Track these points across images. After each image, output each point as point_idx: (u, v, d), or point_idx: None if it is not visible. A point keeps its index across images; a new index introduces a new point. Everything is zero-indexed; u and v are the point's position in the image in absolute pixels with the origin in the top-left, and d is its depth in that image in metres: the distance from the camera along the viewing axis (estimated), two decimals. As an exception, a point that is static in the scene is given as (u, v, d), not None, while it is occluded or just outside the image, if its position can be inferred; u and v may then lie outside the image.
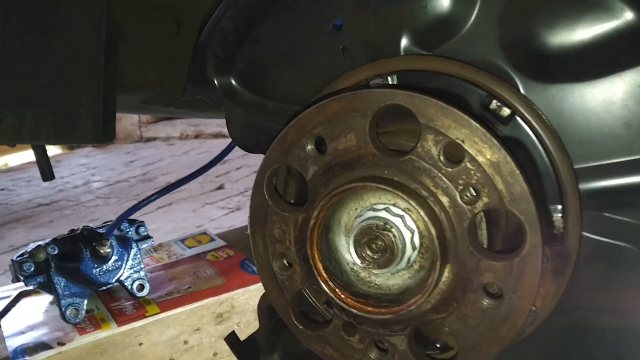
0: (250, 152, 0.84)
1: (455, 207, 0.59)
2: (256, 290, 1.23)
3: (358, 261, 0.63)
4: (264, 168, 0.67)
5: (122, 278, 1.20)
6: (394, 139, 0.65)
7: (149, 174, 3.79)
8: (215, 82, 0.80)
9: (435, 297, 0.61)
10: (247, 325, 1.25)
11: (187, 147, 4.41)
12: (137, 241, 1.24)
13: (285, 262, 0.70)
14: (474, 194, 0.58)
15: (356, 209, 0.65)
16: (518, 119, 0.64)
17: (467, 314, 0.61)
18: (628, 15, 0.59)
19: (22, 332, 1.14)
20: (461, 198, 0.59)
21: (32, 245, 1.17)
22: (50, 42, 0.84)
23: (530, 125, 0.64)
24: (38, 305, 1.24)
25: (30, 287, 1.23)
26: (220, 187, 3.20)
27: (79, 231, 1.21)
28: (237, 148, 0.90)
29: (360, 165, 0.62)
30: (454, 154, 0.59)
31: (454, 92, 0.65)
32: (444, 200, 0.59)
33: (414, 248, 0.62)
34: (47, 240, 1.17)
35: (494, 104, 0.63)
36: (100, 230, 1.20)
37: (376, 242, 0.62)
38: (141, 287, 1.22)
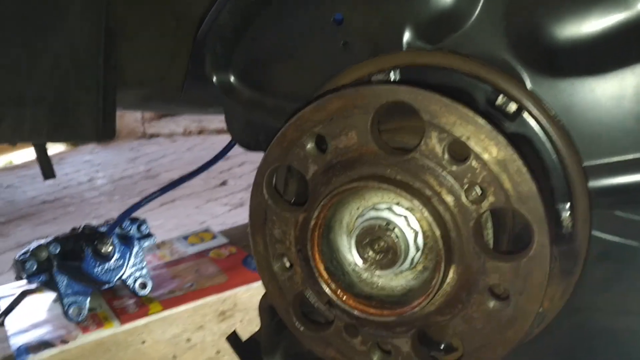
0: (250, 151, 0.82)
1: (460, 206, 0.57)
2: (259, 287, 1.22)
3: (360, 262, 0.62)
4: (264, 167, 0.66)
5: (124, 276, 1.20)
6: (396, 137, 0.63)
7: (152, 171, 3.79)
8: (214, 79, 0.79)
9: (440, 299, 0.59)
10: (250, 322, 1.24)
11: (191, 143, 4.40)
12: (138, 239, 1.24)
13: (285, 262, 0.68)
14: (480, 193, 0.57)
15: (358, 208, 0.64)
16: (525, 115, 0.62)
17: (473, 315, 0.59)
18: (640, 6, 0.57)
19: (26, 331, 1.14)
20: (466, 197, 0.57)
21: (34, 244, 1.17)
22: (49, 40, 0.83)
23: (537, 122, 0.62)
24: (42, 303, 1.24)
25: (33, 286, 1.23)
26: (224, 184, 3.20)
27: (80, 230, 1.20)
28: (240, 144, 0.88)
29: (362, 164, 0.61)
30: (459, 151, 0.58)
31: (458, 87, 0.64)
32: (449, 199, 0.58)
33: (417, 249, 0.61)
34: (49, 239, 1.17)
35: (500, 99, 0.62)
36: (102, 229, 1.20)
37: (378, 242, 0.60)
38: (143, 286, 1.21)
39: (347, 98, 0.61)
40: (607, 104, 0.59)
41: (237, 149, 0.92)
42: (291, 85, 0.76)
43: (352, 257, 0.63)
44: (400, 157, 0.59)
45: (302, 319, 0.69)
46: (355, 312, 0.63)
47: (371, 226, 0.61)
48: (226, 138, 0.97)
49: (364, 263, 0.62)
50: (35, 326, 1.15)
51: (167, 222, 2.64)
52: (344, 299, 0.64)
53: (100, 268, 1.17)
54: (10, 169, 4.32)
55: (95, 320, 1.15)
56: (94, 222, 1.25)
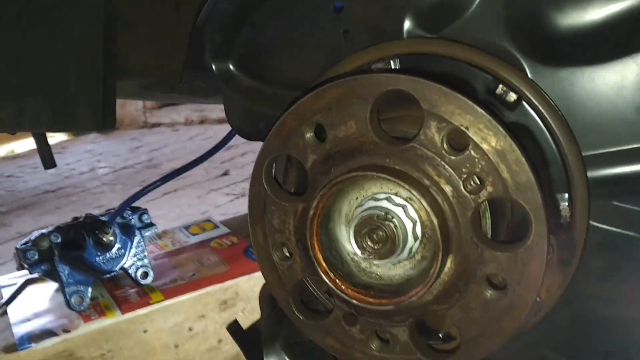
0: (250, 140, 0.82)
1: (458, 196, 0.57)
2: (260, 277, 1.22)
3: (359, 252, 0.62)
4: (263, 157, 0.66)
5: (125, 266, 1.20)
6: (396, 126, 0.63)
7: (154, 160, 3.79)
8: (213, 67, 0.79)
9: (438, 288, 0.59)
10: (252, 312, 1.25)
11: (192, 132, 4.40)
12: (140, 229, 1.24)
13: (285, 252, 0.69)
14: (478, 182, 0.57)
15: (357, 198, 0.64)
16: (525, 104, 0.62)
17: (470, 305, 0.59)
18: (642, -6, 0.56)
19: (28, 320, 1.15)
20: (465, 187, 0.57)
21: (35, 234, 1.17)
22: (48, 29, 0.82)
23: (537, 111, 0.61)
24: (44, 293, 1.25)
25: (35, 275, 1.24)
26: (226, 174, 3.20)
27: (82, 219, 1.21)
28: (241, 134, 0.88)
29: (361, 153, 0.61)
30: (458, 141, 0.57)
31: (458, 76, 0.63)
32: (447, 189, 0.58)
33: (415, 238, 0.61)
34: (50, 229, 1.17)
35: (500, 88, 0.61)
36: (103, 218, 1.20)
37: (377, 232, 0.61)
38: (145, 275, 1.22)
39: (347, 87, 0.60)
40: (607, 93, 0.59)
41: (239, 139, 0.92)
42: (290, 74, 0.76)
43: (351, 246, 0.63)
44: (399, 146, 0.59)
45: (301, 308, 0.69)
46: (354, 301, 0.63)
47: (370, 216, 0.61)
48: (227, 127, 0.96)
49: (362, 252, 0.62)
50: (37, 315, 1.16)
51: (169, 212, 2.64)
52: (342, 288, 0.64)
53: (101, 257, 1.18)
54: (12, 158, 4.33)
55: (97, 309, 1.15)
56: (96, 212, 1.25)
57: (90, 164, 3.89)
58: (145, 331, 1.16)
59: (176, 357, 1.19)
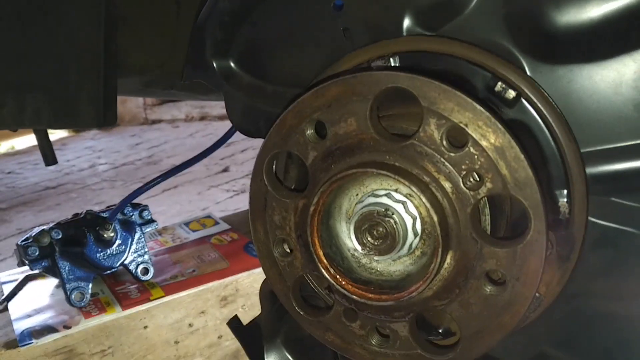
0: (250, 137, 0.82)
1: (458, 192, 0.58)
2: (260, 273, 1.23)
3: (359, 248, 0.63)
4: (263, 153, 0.66)
5: (126, 262, 1.21)
6: (395, 123, 0.64)
7: (154, 157, 3.79)
8: (214, 64, 0.79)
9: (437, 284, 0.60)
10: (252, 308, 1.26)
11: (193, 129, 4.40)
12: (140, 225, 1.24)
13: (286, 248, 0.69)
14: (477, 179, 0.57)
15: (357, 195, 0.64)
16: (524, 101, 0.62)
17: (470, 300, 0.60)
18: (641, -8, 0.56)
19: (29, 316, 1.15)
20: (464, 184, 0.58)
21: (36, 230, 1.18)
22: (49, 26, 0.82)
23: (536, 108, 0.62)
24: (44, 289, 1.26)
25: (36, 271, 1.24)
26: (226, 170, 3.20)
27: (82, 215, 1.21)
28: (241, 130, 0.88)
29: (361, 150, 0.61)
30: (457, 138, 0.58)
31: (457, 74, 0.64)
32: (447, 185, 0.58)
33: (415, 234, 0.61)
34: (51, 225, 1.18)
35: (499, 86, 0.62)
36: (104, 214, 1.20)
37: (377, 228, 0.61)
38: (145, 271, 1.22)
39: (347, 84, 0.61)
40: (606, 90, 0.59)
41: (239, 136, 0.93)
42: (291, 71, 0.76)
43: (351, 242, 0.64)
44: (399, 143, 0.60)
45: (302, 303, 0.69)
46: (354, 297, 0.64)
47: (370, 212, 0.61)
48: (228, 124, 0.97)
49: (362, 248, 0.63)
50: (38, 311, 1.17)
51: (169, 208, 2.65)
52: (343, 284, 0.64)
53: (102, 253, 1.18)
54: (12, 154, 4.33)
55: (98, 305, 1.16)
56: (96, 208, 1.25)
57: (91, 161, 3.89)
58: (145, 327, 1.16)
59: (176, 353, 1.20)
